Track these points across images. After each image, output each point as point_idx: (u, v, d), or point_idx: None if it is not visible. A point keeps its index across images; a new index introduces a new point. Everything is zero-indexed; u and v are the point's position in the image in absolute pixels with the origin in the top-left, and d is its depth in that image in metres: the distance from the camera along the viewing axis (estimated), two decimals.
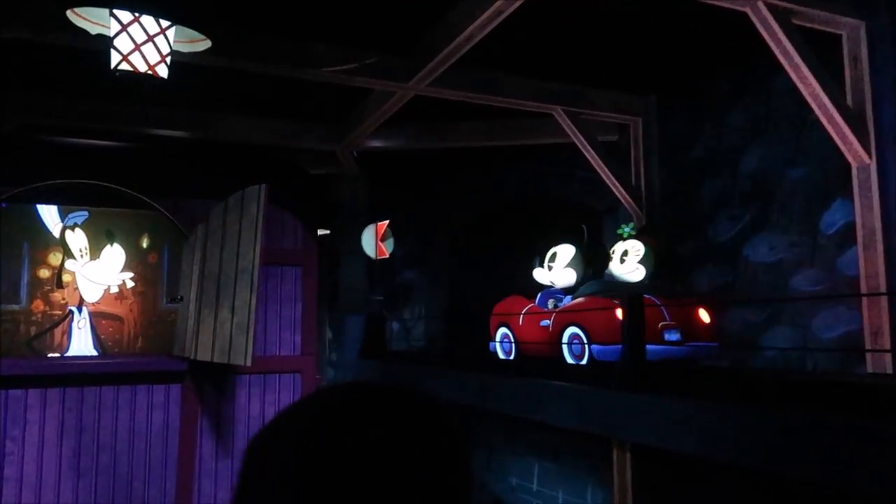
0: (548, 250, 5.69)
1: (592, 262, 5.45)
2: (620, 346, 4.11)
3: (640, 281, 5.20)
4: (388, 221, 8.42)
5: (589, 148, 6.72)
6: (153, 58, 3.71)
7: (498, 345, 5.83)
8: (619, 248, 5.40)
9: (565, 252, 5.52)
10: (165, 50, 3.82)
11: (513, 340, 5.68)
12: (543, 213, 9.36)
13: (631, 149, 7.10)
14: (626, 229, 5.51)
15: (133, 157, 5.85)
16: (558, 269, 5.51)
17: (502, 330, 5.80)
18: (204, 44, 4.11)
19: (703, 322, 4.95)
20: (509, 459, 6.64)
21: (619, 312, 4.44)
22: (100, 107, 6.39)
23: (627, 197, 6.84)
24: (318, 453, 0.65)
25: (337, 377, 9.00)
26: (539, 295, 5.68)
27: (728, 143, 6.33)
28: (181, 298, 5.08)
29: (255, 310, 4.17)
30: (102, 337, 6.21)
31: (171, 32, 3.83)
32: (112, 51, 3.72)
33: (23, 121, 6.06)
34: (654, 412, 3.54)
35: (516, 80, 6.50)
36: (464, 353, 7.33)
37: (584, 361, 4.79)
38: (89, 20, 3.78)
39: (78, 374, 5.74)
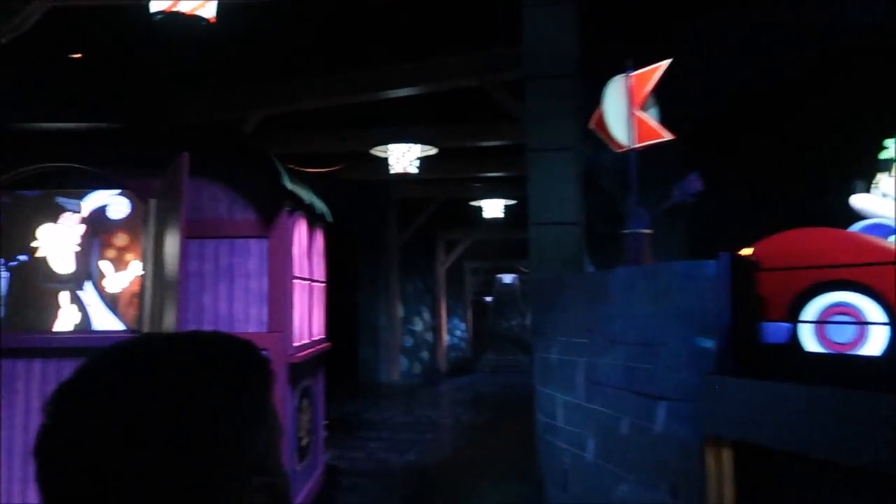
0: (883, 166, 3.69)
1: None
2: None
3: None
4: (660, 65, 4.03)
5: None
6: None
7: (815, 329, 2.98)
8: None
9: None
10: None
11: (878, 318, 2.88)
12: None
13: None
14: None
15: (93, 139, 5.73)
16: None
17: (833, 296, 3.01)
18: None
19: None
20: None
21: None
22: None
23: None
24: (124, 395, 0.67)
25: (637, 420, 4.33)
26: (865, 227, 3.53)
27: None
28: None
29: (177, 279, 4.31)
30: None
31: None
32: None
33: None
34: None
35: None
36: None
37: None
38: None
39: (62, 347, 5.57)
